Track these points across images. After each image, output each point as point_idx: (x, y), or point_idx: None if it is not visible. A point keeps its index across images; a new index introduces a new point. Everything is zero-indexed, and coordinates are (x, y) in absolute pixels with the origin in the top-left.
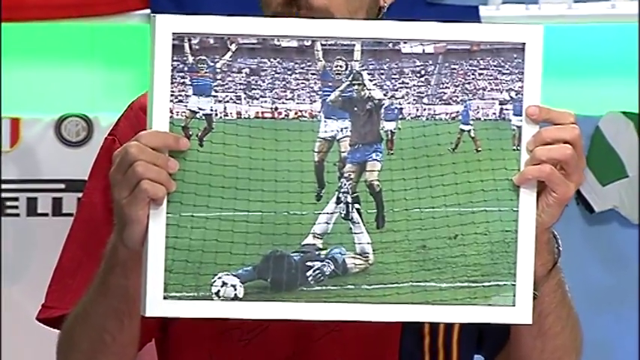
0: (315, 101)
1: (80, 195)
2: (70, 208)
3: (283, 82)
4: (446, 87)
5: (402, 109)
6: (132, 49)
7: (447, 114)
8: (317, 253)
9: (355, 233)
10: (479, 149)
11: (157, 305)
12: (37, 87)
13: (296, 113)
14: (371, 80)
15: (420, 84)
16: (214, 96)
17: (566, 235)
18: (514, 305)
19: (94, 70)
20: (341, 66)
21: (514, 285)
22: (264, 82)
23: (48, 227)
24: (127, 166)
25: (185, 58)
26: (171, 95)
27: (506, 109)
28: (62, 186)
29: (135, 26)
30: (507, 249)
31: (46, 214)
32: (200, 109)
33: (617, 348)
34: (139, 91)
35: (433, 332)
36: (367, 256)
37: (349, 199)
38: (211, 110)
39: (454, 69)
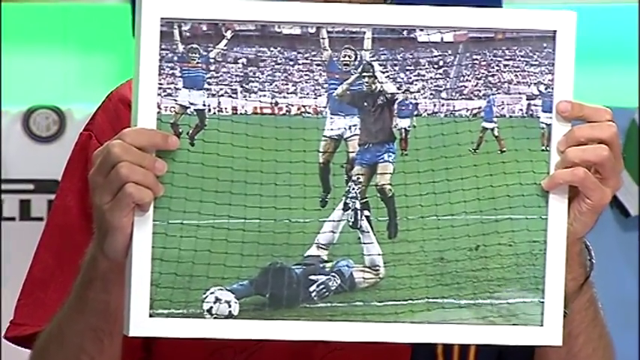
0: (320, 95)
1: (51, 197)
2: (39, 211)
3: (284, 74)
4: (467, 80)
5: (417, 104)
6: (110, 31)
7: (467, 110)
8: (321, 265)
9: (364, 243)
10: (503, 150)
11: (142, 323)
12: (2, 74)
13: (299, 109)
14: (383, 72)
15: (437, 76)
16: (207, 89)
17: (598, 242)
18: (542, 325)
19: (66, 55)
20: (349, 56)
21: (542, 302)
22: (263, 73)
23: (15, 233)
24: (110, 168)
25: (175, 47)
26: (159, 88)
27: (535, 105)
28: (31, 186)
29: (113, 6)
30: (535, 262)
31: (12, 218)
32: (191, 103)
33: None
34: (118, 79)
35: (447, 353)
36: (378, 270)
37: (358, 206)
38: (204, 105)
39: (476, 60)
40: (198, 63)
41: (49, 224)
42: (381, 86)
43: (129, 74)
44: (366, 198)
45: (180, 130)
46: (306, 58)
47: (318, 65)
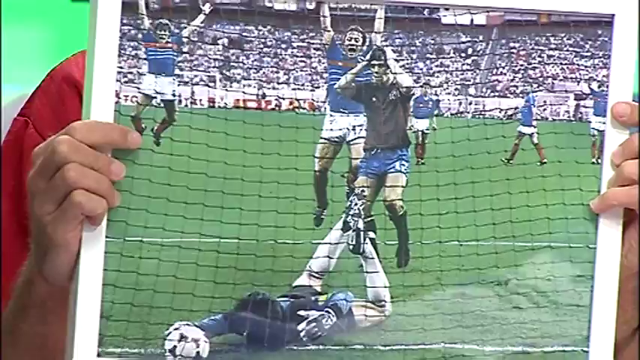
0: (318, 87)
1: None
2: None
3: (275, 60)
4: (501, 73)
5: (438, 101)
6: None
7: (501, 110)
8: (313, 298)
9: (367, 273)
10: (544, 161)
11: None
12: None
13: (291, 103)
14: (397, 60)
15: (465, 68)
16: (178, 75)
17: None
18: None
19: None
20: (356, 39)
21: (587, 352)
22: (248, 58)
23: None
24: (54, 170)
25: (139, 22)
26: (119, 73)
27: (585, 107)
28: None
29: None
30: (579, 301)
31: None
32: (158, 92)
33: None
34: (59, 53)
35: None
36: (383, 305)
37: (361, 225)
38: (173, 95)
39: (513, 48)
40: (167, 43)
41: None
42: (394, 78)
43: (70, 47)
44: (371, 216)
45: (144, 126)
46: (303, 41)
47: (316, 50)
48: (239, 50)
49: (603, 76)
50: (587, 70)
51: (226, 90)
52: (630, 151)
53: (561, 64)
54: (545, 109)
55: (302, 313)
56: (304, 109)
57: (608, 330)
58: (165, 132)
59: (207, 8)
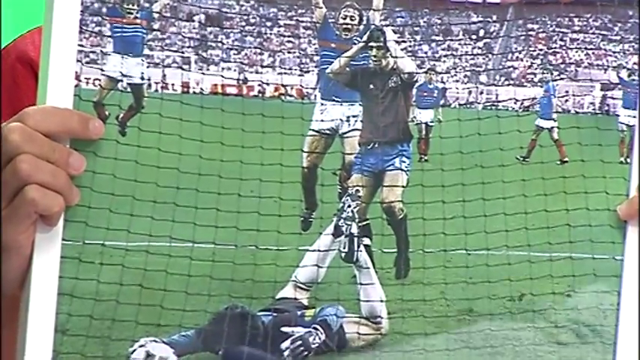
0: (307, 72)
1: None
2: None
3: (258, 40)
4: (517, 58)
5: (445, 90)
6: None
7: (516, 101)
8: (299, 313)
9: (362, 284)
10: (565, 160)
11: None
12: None
13: (276, 89)
14: (398, 42)
15: (476, 52)
16: (148, 56)
17: None
18: None
19: None
20: (352, 17)
21: None
22: (227, 37)
23: None
24: (5, 162)
25: None
26: (79, 52)
27: (612, 98)
28: None
29: None
30: (603, 321)
31: None
32: (124, 75)
33: None
34: (13, 29)
35: None
36: (379, 322)
37: (354, 230)
38: (142, 79)
39: (531, 30)
40: (136, 18)
41: None
42: (395, 62)
43: (25, 23)
44: (366, 220)
45: (108, 113)
46: (290, 18)
47: (306, 29)
48: (217, 28)
49: (634, 63)
50: (615, 57)
51: (202, 73)
52: None
53: (586, 48)
54: (567, 100)
55: (286, 329)
56: (291, 96)
57: (633, 353)
58: (133, 120)
59: None
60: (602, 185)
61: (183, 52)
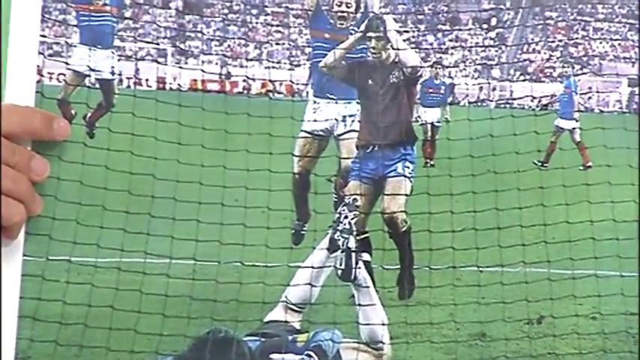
0: (298, 65)
1: None
2: None
3: (243, 29)
4: (534, 50)
5: (453, 86)
6: None
7: (533, 99)
8: (291, 338)
9: (361, 305)
10: (588, 165)
11: None
12: None
13: (263, 86)
14: (400, 32)
15: (487, 43)
16: (119, 48)
17: None
18: None
19: None
20: (348, 4)
21: None
22: (208, 26)
23: None
24: None
25: None
26: (42, 43)
27: None
28: None
29: None
30: (633, 347)
31: None
32: (92, 69)
33: None
34: None
35: None
36: (380, 348)
37: (352, 244)
38: (112, 73)
39: (550, 19)
40: (105, 5)
41: None
42: (396, 55)
43: None
44: (365, 233)
45: (74, 112)
46: (279, 5)
47: (296, 17)
48: (197, 16)
49: None
50: None
51: (180, 67)
52: None
53: (611, 39)
54: (590, 98)
55: (275, 356)
56: (280, 93)
57: None
58: (102, 120)
59: None
60: (631, 193)
61: (158, 44)
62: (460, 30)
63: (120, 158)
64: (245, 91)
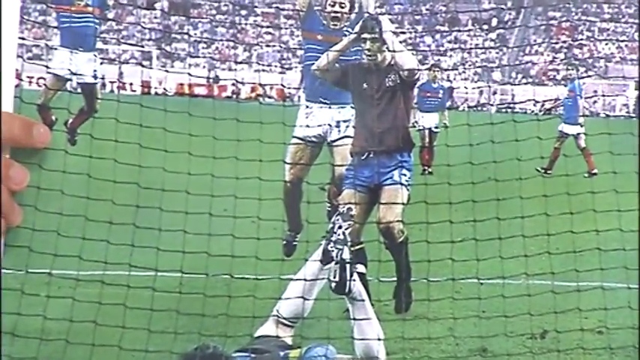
0: (289, 69)
1: None
2: None
3: (232, 31)
4: (536, 52)
5: (452, 89)
6: None
7: (536, 103)
8: (282, 354)
9: (356, 320)
10: (594, 172)
11: None
12: None
13: (253, 90)
14: (396, 33)
15: (488, 45)
16: (101, 51)
17: None
18: None
19: None
20: (342, 4)
21: None
22: (195, 28)
23: None
24: None
25: None
26: (20, 46)
27: None
28: None
29: None
30: None
31: None
32: (74, 73)
33: None
34: None
35: None
36: None
37: (346, 256)
38: (95, 77)
39: (553, 19)
40: (87, 6)
41: None
42: (393, 57)
43: None
44: (360, 244)
45: (55, 118)
46: (269, 6)
47: (288, 18)
48: (183, 18)
49: None
50: None
51: (166, 71)
52: None
53: (617, 40)
54: (595, 102)
55: None
56: (271, 97)
57: None
58: (84, 126)
59: None
60: (638, 202)
61: (143, 46)
62: (459, 31)
63: (103, 166)
64: (234, 96)
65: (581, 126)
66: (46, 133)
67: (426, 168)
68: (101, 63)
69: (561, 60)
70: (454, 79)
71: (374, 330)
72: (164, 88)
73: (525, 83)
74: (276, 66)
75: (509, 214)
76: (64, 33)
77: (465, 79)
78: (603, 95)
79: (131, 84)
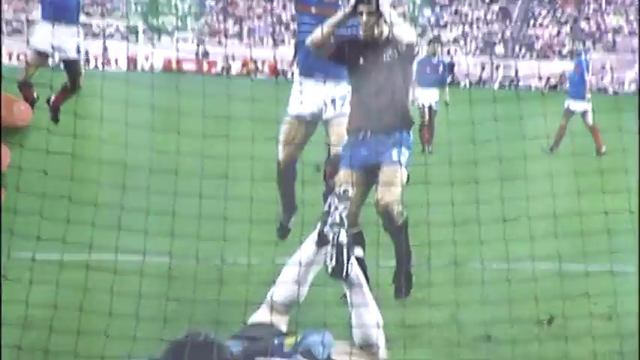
0: (282, 42)
1: None
2: None
3: (221, 4)
4: (541, 25)
5: (452, 64)
6: None
7: (540, 78)
8: (277, 341)
9: (353, 305)
10: (602, 150)
11: None
12: None
13: (244, 65)
14: (394, 5)
15: (490, 17)
16: (85, 25)
17: None
18: None
19: None
20: None
21: None
22: (183, 0)
23: None
24: None
25: None
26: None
27: None
28: None
29: None
30: None
31: None
32: (56, 49)
33: None
34: None
35: None
36: (375, 352)
37: (343, 238)
38: (78, 52)
39: None
40: None
41: None
42: (390, 31)
43: None
44: (357, 225)
45: (36, 95)
46: None
47: None
48: None
49: None
50: None
51: (153, 45)
52: None
53: (626, 12)
54: (603, 77)
55: None
56: (263, 73)
57: None
58: (67, 104)
59: None
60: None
61: (128, 20)
62: (460, 3)
63: (87, 145)
64: (224, 72)
65: (589, 102)
66: (28, 110)
67: (426, 147)
68: (85, 37)
69: (567, 33)
70: (455, 53)
71: (373, 316)
72: (151, 64)
73: (529, 58)
74: (268, 40)
75: (513, 194)
76: (46, 6)
77: (467, 53)
78: (611, 70)
79: (116, 60)
